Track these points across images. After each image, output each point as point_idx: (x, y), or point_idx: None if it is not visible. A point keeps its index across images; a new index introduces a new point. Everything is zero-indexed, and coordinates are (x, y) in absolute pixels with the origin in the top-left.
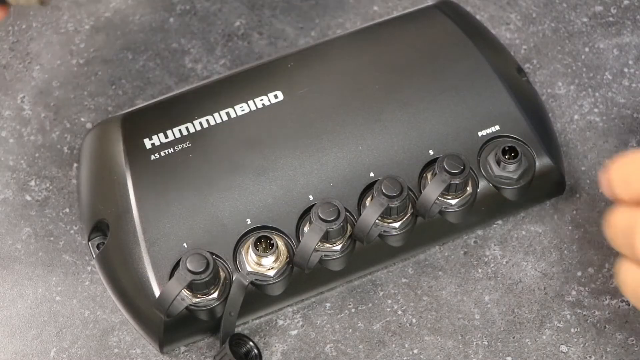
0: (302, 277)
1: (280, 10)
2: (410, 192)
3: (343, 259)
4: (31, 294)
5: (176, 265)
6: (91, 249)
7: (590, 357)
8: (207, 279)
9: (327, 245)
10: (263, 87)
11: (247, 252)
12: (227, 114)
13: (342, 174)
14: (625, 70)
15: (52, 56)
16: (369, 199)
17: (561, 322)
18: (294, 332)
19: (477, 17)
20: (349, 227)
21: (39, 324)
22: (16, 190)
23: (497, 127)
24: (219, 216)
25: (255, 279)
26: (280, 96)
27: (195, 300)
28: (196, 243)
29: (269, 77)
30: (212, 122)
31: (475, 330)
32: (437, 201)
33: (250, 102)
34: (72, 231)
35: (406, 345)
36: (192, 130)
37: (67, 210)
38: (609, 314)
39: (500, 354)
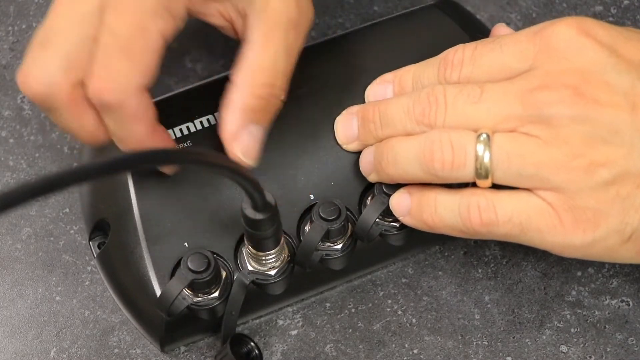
0: (303, 277)
1: None
2: None
3: (344, 258)
4: (31, 294)
5: (177, 265)
6: (92, 248)
7: (590, 357)
8: (208, 278)
9: (328, 244)
10: None
11: (248, 251)
12: None
13: (343, 173)
14: None
15: None
16: (370, 197)
17: (561, 322)
18: (294, 332)
19: (477, 17)
20: (350, 226)
21: (39, 324)
22: None
23: None
24: (220, 215)
25: (257, 278)
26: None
27: (196, 299)
28: (197, 242)
29: None
30: (213, 122)
31: (475, 330)
32: None
33: None
34: (72, 231)
35: (406, 345)
36: (192, 129)
37: (67, 210)
38: (609, 314)
39: (500, 354)
